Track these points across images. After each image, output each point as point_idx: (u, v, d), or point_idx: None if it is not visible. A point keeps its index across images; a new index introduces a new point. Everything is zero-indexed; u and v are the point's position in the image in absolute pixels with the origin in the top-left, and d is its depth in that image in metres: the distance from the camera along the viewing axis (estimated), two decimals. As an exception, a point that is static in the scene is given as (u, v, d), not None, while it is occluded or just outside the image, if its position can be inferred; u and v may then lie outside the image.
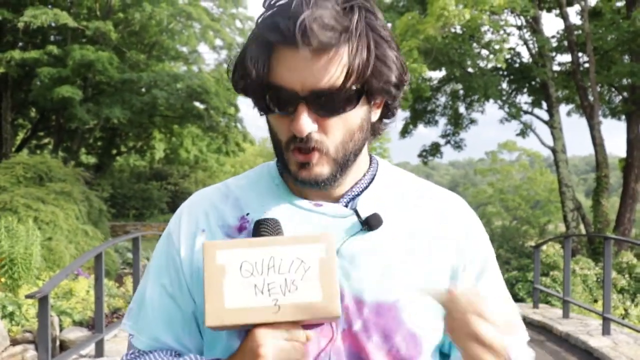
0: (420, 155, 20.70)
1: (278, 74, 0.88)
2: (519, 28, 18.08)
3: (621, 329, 6.82)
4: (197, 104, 18.78)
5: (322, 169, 0.92)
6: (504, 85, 18.96)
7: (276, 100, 0.89)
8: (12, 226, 7.59)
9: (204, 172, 23.79)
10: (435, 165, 75.48)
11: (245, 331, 0.90)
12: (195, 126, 20.19)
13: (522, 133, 18.76)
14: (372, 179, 1.01)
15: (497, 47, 16.35)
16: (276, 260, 0.88)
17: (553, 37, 18.17)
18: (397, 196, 1.00)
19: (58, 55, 16.16)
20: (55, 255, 9.38)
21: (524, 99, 21.27)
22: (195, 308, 0.98)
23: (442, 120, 20.45)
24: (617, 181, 21.71)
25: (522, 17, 17.46)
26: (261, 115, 0.96)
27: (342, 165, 0.93)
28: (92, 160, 23.23)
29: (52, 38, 18.77)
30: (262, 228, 0.92)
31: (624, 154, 16.89)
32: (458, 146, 20.25)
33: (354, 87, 0.88)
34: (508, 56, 17.60)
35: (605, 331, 6.46)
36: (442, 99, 20.43)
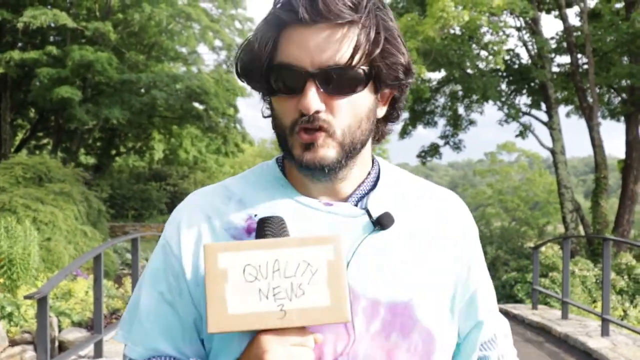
0: (419, 156, 20.69)
1: (287, 53, 0.89)
2: (518, 29, 18.08)
3: (620, 330, 6.83)
4: (196, 104, 18.79)
5: (327, 151, 0.90)
6: (503, 86, 18.95)
7: (283, 81, 0.90)
8: (11, 226, 7.57)
9: (203, 172, 23.76)
10: (434, 166, 75.56)
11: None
12: (195, 127, 20.20)
13: (521, 134, 18.77)
14: (377, 178, 1.01)
15: (495, 48, 16.34)
16: (281, 263, 0.83)
17: (552, 38, 18.18)
18: (398, 196, 1.00)
19: (57, 55, 16.17)
20: (54, 256, 9.36)
21: (523, 100, 21.33)
22: (198, 317, 0.95)
23: (441, 121, 20.49)
24: (616, 182, 21.67)
25: (521, 19, 17.46)
26: (265, 99, 0.96)
27: (348, 152, 0.91)
28: (91, 160, 23.21)
29: (51, 38, 18.79)
30: (266, 227, 0.88)
31: (623, 156, 16.89)
32: (457, 147, 20.24)
33: (363, 68, 0.89)
34: (507, 57, 17.59)
35: (604, 332, 6.46)
36: (441, 100, 20.44)
